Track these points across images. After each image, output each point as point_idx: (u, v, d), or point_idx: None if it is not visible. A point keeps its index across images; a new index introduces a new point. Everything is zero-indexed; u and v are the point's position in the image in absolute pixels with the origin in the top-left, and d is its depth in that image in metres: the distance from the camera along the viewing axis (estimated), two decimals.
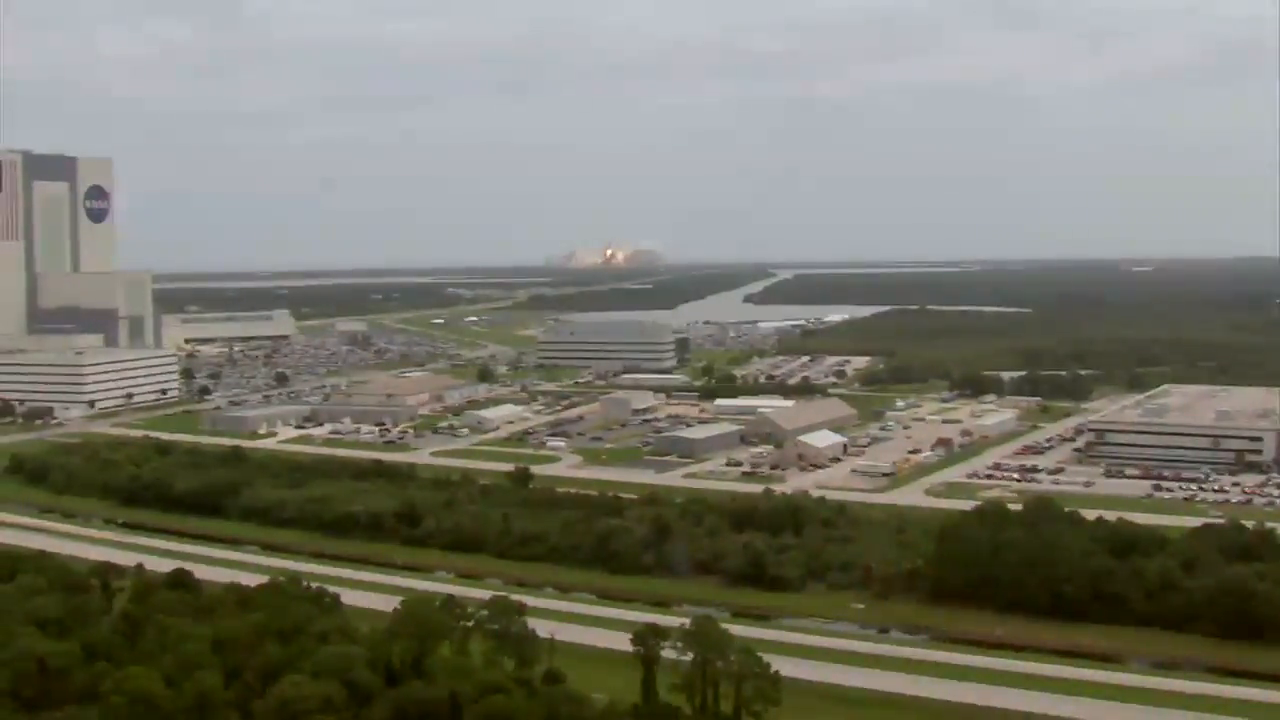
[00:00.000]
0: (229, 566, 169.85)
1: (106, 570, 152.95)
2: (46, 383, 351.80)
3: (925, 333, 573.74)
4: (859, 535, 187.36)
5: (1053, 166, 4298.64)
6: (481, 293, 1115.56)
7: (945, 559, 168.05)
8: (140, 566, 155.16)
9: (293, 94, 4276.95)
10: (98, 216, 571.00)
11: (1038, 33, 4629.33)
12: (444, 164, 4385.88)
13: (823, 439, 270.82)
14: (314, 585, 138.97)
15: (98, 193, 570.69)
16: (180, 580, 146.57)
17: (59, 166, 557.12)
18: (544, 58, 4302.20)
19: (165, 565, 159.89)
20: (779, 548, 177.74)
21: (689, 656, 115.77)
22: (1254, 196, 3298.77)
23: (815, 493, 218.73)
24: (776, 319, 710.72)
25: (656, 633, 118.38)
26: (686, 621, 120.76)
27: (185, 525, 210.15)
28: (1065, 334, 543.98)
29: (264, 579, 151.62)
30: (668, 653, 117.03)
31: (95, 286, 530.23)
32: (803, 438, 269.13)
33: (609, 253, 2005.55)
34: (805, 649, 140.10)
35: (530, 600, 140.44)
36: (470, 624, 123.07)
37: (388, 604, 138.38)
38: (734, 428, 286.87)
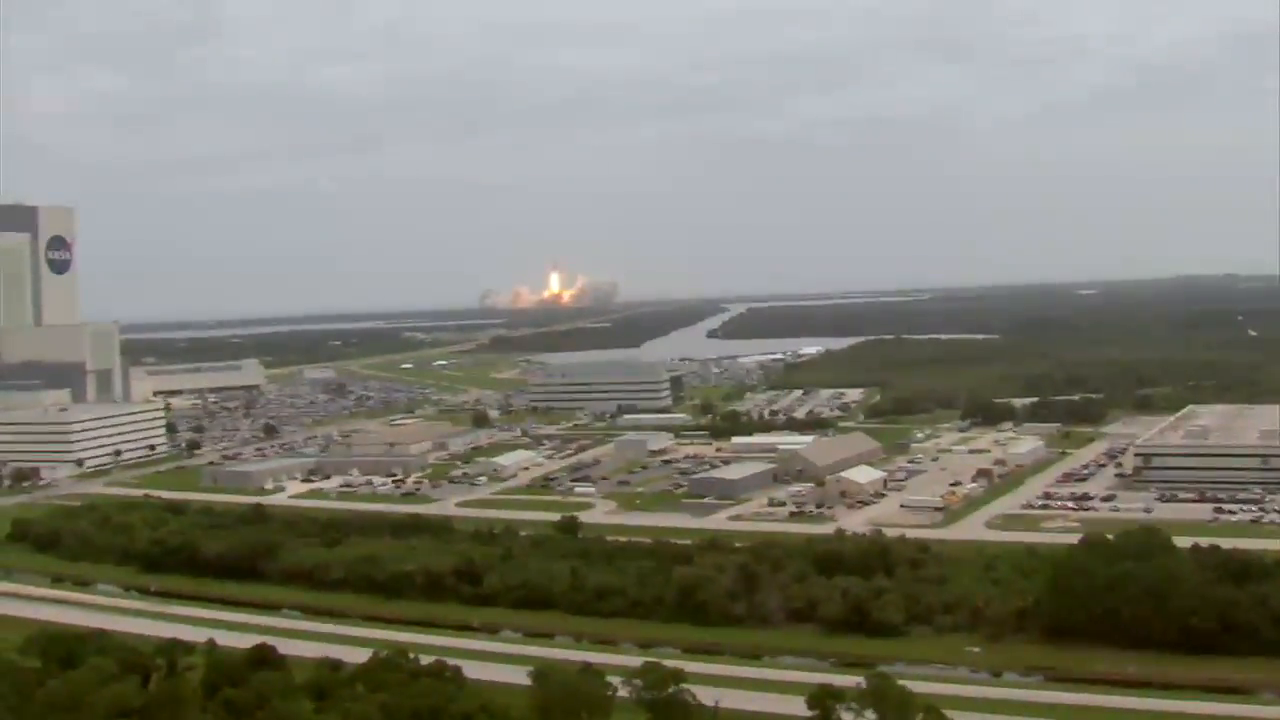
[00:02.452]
0: (305, 638, 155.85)
1: (173, 648, 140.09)
2: (30, 441, 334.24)
3: (908, 363, 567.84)
4: (949, 574, 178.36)
5: (987, 195, 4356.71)
6: (436, 335, 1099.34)
7: (1060, 595, 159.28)
8: (212, 642, 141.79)
9: (228, 141, 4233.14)
10: (60, 268, 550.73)
11: (969, 65, 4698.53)
12: (380, 208, 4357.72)
13: (863, 474, 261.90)
14: (418, 656, 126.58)
15: (59, 243, 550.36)
16: (264, 656, 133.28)
17: (19, 216, 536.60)
18: (476, 100, 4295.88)
19: (233, 639, 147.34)
20: (875, 591, 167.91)
21: (867, 717, 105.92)
22: (1185, 217, 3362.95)
23: (869, 530, 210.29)
24: (750, 353, 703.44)
25: (831, 694, 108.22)
26: (861, 680, 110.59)
27: (220, 591, 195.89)
28: (1047, 359, 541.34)
29: (349, 650, 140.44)
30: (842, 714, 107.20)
31: (60, 340, 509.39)
32: (844, 474, 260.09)
33: (557, 290, 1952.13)
34: (948, 700, 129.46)
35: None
36: (616, 693, 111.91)
37: (508, 674, 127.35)
38: (766, 466, 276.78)
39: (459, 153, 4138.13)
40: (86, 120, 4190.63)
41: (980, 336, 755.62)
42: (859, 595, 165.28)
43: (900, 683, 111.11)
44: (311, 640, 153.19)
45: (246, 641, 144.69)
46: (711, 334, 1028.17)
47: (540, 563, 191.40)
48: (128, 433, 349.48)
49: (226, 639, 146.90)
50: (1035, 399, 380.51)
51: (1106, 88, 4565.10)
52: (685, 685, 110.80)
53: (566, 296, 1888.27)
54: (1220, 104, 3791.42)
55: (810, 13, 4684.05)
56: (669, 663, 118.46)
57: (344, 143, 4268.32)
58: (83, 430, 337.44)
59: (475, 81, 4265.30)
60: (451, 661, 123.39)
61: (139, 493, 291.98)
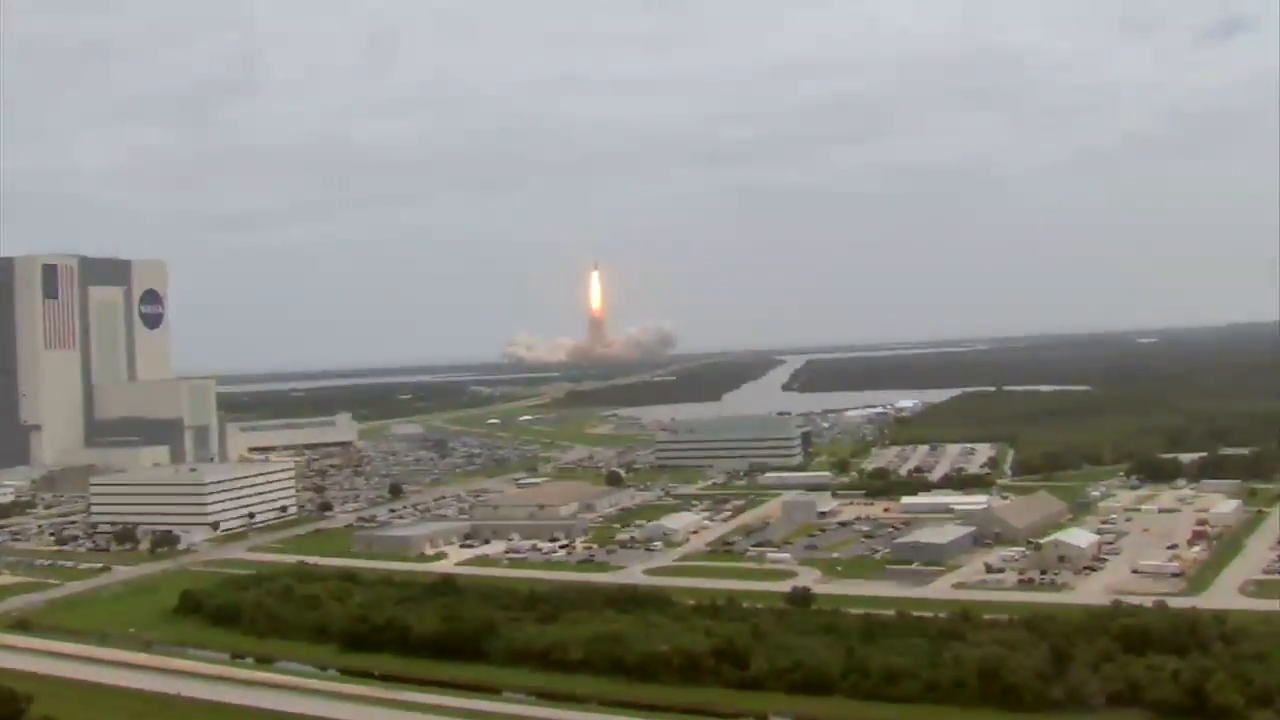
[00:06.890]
0: None
1: None
2: (163, 504, 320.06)
3: (1019, 416, 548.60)
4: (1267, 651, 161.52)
5: (1023, 243, 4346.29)
6: (500, 390, 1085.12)
7: None
8: None
9: (267, 198, 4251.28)
10: (152, 322, 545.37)
11: (1001, 112, 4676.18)
12: (417, 262, 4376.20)
13: (1081, 538, 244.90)
14: None
15: (152, 297, 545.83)
16: None
17: (113, 270, 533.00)
18: (515, 152, 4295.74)
19: None
20: (1204, 671, 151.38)
21: None
22: (1234, 262, 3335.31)
23: (1110, 598, 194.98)
24: (833, 406, 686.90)
25: None
26: None
27: (442, 673, 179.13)
28: (1171, 411, 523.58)
29: None
30: None
31: (157, 395, 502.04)
32: (1059, 536, 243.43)
33: (598, 305, 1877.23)
34: None
35: None
36: None
37: None
38: (965, 529, 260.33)
39: (495, 205, 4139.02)
40: (127, 176, 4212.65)
41: (1080, 388, 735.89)
42: (1197, 676, 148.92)
43: None
44: None
45: None
46: (786, 387, 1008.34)
47: (796, 640, 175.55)
48: (260, 493, 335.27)
49: None
50: (1203, 454, 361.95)
51: (1139, 134, 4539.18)
52: None
53: (617, 345, 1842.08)
54: (1256, 148, 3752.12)
55: (842, 65, 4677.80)
56: None
57: (378, 198, 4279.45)
58: (218, 491, 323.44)
59: (513, 134, 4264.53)
60: None
61: (289, 559, 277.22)
